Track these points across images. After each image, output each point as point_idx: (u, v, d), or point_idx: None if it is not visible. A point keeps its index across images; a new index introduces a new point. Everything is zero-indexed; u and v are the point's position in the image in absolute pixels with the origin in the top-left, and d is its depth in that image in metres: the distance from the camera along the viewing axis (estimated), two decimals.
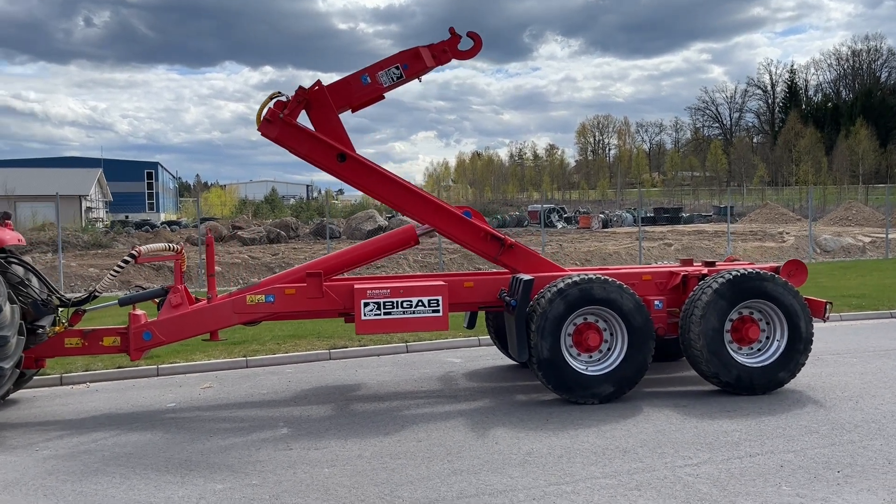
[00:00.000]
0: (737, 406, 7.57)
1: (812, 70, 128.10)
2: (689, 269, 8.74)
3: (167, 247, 8.33)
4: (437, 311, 7.78)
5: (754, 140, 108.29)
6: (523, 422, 7.20)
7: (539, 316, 7.70)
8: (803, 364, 8.10)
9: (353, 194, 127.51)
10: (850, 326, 12.64)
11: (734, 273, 8.03)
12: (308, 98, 8.19)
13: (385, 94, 8.70)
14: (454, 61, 8.79)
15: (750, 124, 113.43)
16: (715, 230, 39.74)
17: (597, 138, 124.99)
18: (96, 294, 8.38)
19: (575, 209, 76.50)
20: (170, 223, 51.33)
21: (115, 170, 73.99)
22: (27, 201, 58.38)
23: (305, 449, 6.55)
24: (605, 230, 50.40)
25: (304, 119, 8.39)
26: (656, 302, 8.35)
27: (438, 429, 7.03)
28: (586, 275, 7.91)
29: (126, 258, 8.04)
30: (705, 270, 8.54)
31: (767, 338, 8.18)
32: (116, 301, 8.50)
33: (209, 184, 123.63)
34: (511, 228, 59.36)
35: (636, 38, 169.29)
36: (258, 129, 8.16)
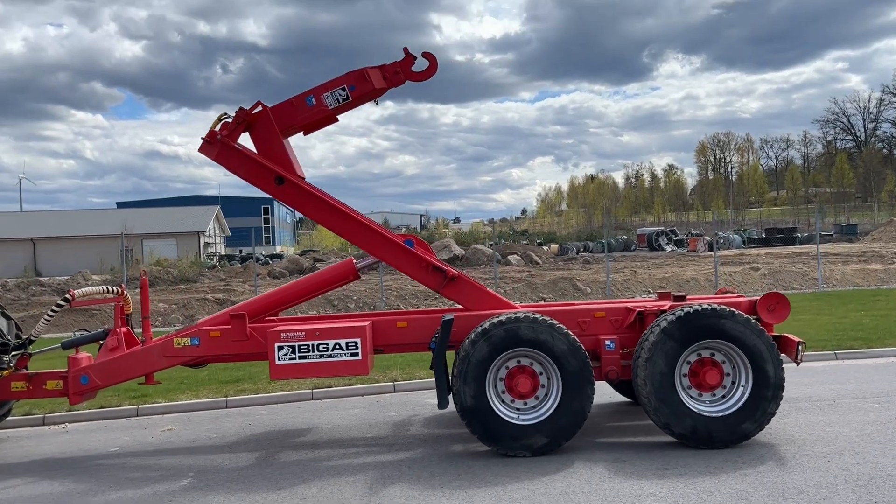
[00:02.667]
0: (680, 463, 6.63)
1: None
2: (648, 304, 7.84)
3: (105, 289, 8.34)
4: (356, 354, 7.32)
5: (894, 152, 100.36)
6: (432, 477, 6.59)
7: (461, 359, 7.10)
8: (772, 413, 7.03)
9: (468, 221, 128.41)
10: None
11: (685, 310, 7.11)
12: (249, 120, 8.05)
13: (338, 117, 8.46)
14: (408, 83, 8.40)
15: (887, 135, 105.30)
16: (825, 251, 36.73)
17: (717, 156, 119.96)
18: (32, 339, 8.49)
19: (688, 231, 73.35)
20: (271, 256, 53.20)
21: (233, 206, 77.84)
22: (150, 239, 62.34)
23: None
24: (710, 253, 47.89)
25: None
26: (607, 342, 7.52)
27: (335, 484, 6.55)
28: (515, 313, 7.23)
29: (60, 302, 8.10)
30: (666, 306, 7.63)
31: (733, 383, 7.17)
32: (59, 344, 8.59)
33: None
34: (617, 253, 57.69)
35: (764, 51, 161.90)
36: (199, 150, 8.09)
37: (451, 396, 7.22)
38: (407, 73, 8.25)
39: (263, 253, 59.03)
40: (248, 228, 77.48)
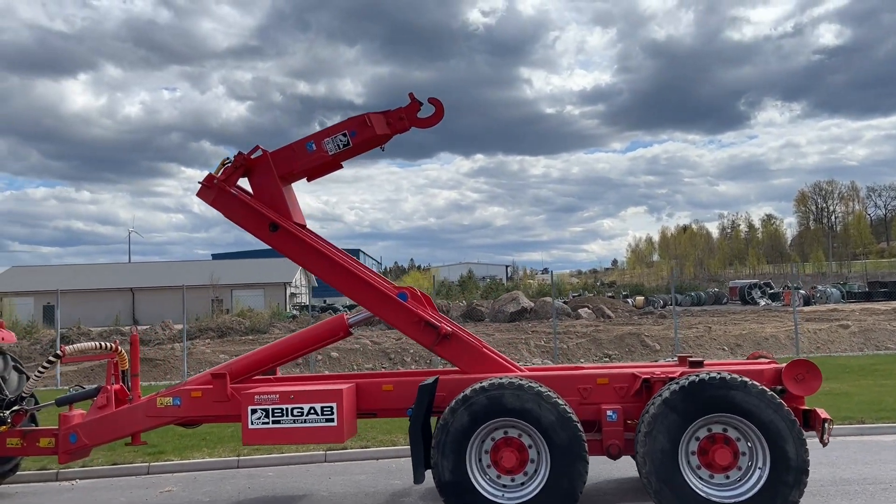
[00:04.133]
0: None
1: None
2: (658, 369, 7.05)
3: (97, 346, 8.21)
4: (332, 420, 6.84)
5: None
6: None
7: (440, 428, 6.51)
8: (795, 502, 6.09)
9: (557, 272, 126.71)
10: None
11: (690, 379, 6.32)
12: (248, 164, 7.86)
13: (342, 164, 8.21)
14: (413, 129, 8.07)
15: None
16: None
17: (819, 206, 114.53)
18: (23, 395, 8.41)
19: (784, 284, 69.68)
20: (350, 306, 53.59)
21: None
22: (239, 289, 64.24)
23: None
24: (806, 308, 45.17)
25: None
26: (609, 412, 6.77)
27: None
28: (500, 379, 6.60)
29: (51, 358, 8.02)
30: (677, 372, 6.83)
31: (749, 464, 6.29)
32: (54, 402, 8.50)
33: (420, 267, 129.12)
34: (707, 306, 55.32)
35: (870, 96, 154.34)
36: (197, 194, 7.94)
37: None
38: (412, 119, 7.92)
39: (343, 304, 59.75)
40: None
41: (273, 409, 6.91)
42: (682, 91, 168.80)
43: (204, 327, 31.44)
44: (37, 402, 8.77)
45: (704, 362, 7.26)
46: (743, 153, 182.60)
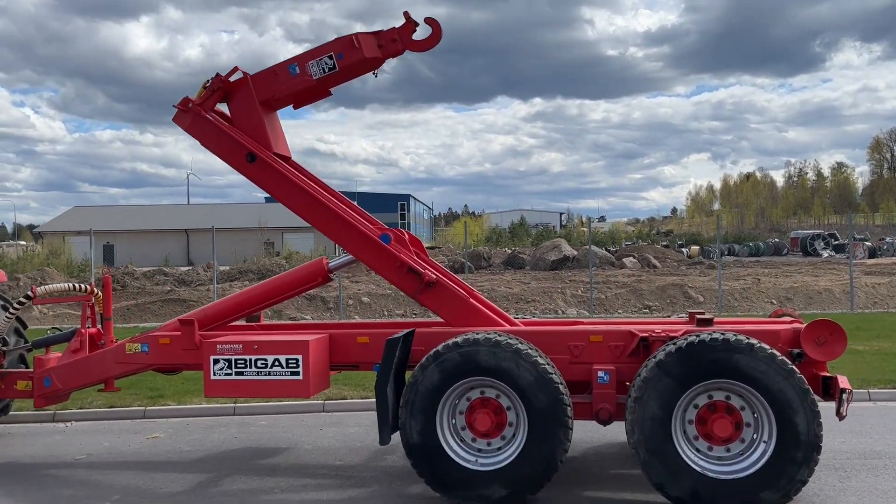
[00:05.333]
0: None
1: None
2: (659, 327, 6.28)
3: (70, 287, 7.86)
4: (297, 373, 6.32)
5: None
6: None
7: (409, 386, 5.93)
8: (803, 482, 5.34)
9: (613, 220, 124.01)
10: None
11: (688, 340, 5.56)
12: (227, 87, 7.25)
13: (331, 91, 7.57)
14: (407, 54, 7.36)
15: None
16: None
17: (894, 153, 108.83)
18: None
19: (850, 235, 66.62)
20: None
21: (371, 202, 79.01)
22: (290, 232, 64.64)
23: None
24: (870, 261, 43.07)
25: None
26: (601, 373, 6.07)
27: None
28: (475, 334, 5.94)
29: (22, 299, 7.69)
30: (680, 331, 6.06)
31: (753, 437, 5.54)
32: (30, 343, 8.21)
33: (474, 213, 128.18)
34: (766, 257, 53.41)
35: None
36: (173, 119, 7.40)
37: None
38: (406, 41, 7.17)
39: None
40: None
41: (236, 360, 6.42)
42: (753, 32, 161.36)
43: (244, 269, 31.54)
44: (26, 342, 8.53)
45: (715, 320, 6.48)
46: (815, 98, 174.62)
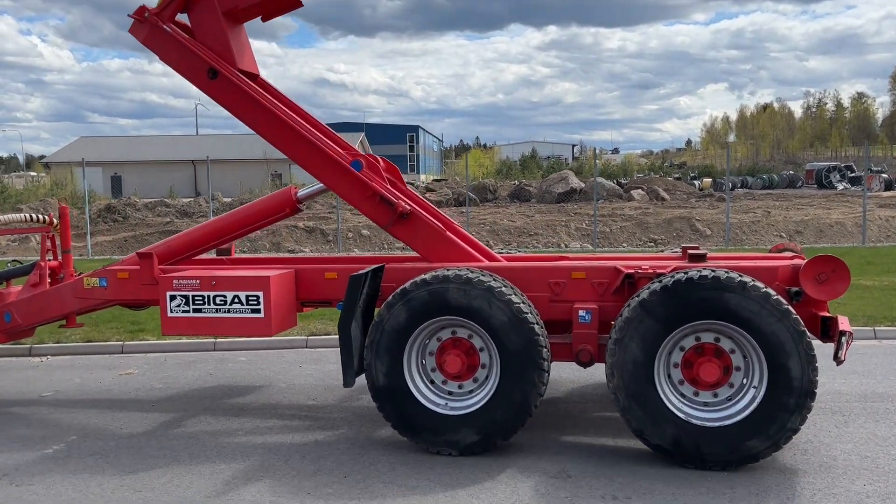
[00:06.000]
0: (641, 489, 4.77)
1: None
2: (647, 263, 5.81)
3: (28, 217, 7.45)
4: (258, 310, 5.93)
5: None
6: (314, 475, 5.18)
7: (374, 326, 5.53)
8: (794, 430, 4.94)
9: (627, 152, 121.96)
10: None
11: (675, 278, 5.09)
12: None
13: (301, 0, 6.97)
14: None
15: None
16: None
17: None
18: None
19: (867, 168, 65.20)
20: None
21: (379, 134, 78.12)
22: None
23: (13, 483, 5.23)
24: (885, 193, 42.19)
25: None
26: (582, 312, 5.63)
27: (198, 473, 5.29)
28: (445, 271, 5.50)
29: None
30: (670, 266, 5.60)
31: (744, 382, 5.13)
32: None
33: (485, 145, 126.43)
34: (779, 190, 52.49)
35: None
36: (129, 30, 6.84)
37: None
38: None
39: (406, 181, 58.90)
40: (392, 156, 78.05)
41: (193, 296, 6.02)
42: None
43: (248, 200, 31.06)
44: None
45: (708, 255, 6.00)
46: (838, 25, 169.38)
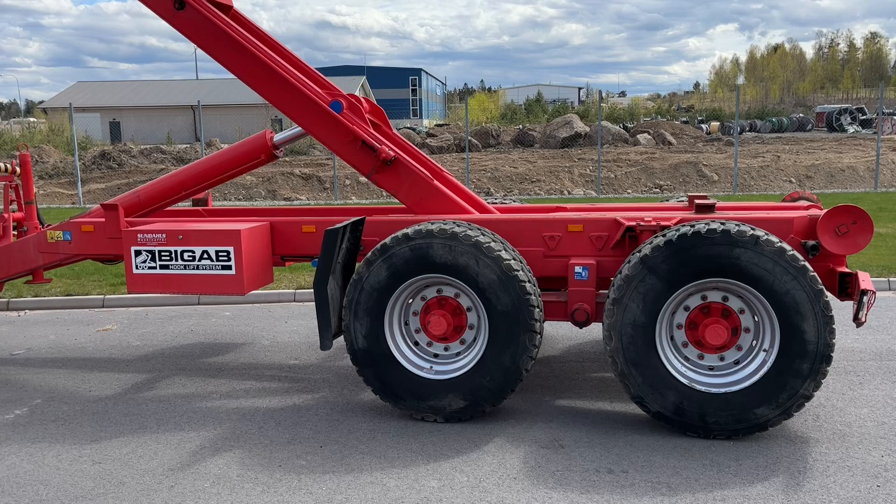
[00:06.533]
0: (639, 462, 4.40)
1: None
2: (650, 214, 5.33)
3: None
4: (229, 267, 5.50)
5: None
6: (289, 444, 4.82)
7: (352, 285, 5.10)
8: (808, 396, 4.54)
9: (634, 95, 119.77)
10: None
11: (680, 231, 4.63)
12: None
13: None
14: None
15: None
16: None
17: None
18: None
19: (879, 110, 63.87)
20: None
21: (381, 77, 76.68)
22: None
23: None
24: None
25: None
26: (578, 268, 5.20)
27: (164, 442, 4.94)
28: (429, 224, 5.04)
29: None
30: (675, 218, 5.13)
31: (753, 345, 4.71)
32: None
33: (490, 88, 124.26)
34: (788, 133, 51.44)
35: None
36: None
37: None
38: None
39: (407, 126, 57.85)
40: (395, 101, 76.73)
41: (160, 252, 5.59)
42: None
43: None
44: None
45: (717, 206, 5.52)
46: None
